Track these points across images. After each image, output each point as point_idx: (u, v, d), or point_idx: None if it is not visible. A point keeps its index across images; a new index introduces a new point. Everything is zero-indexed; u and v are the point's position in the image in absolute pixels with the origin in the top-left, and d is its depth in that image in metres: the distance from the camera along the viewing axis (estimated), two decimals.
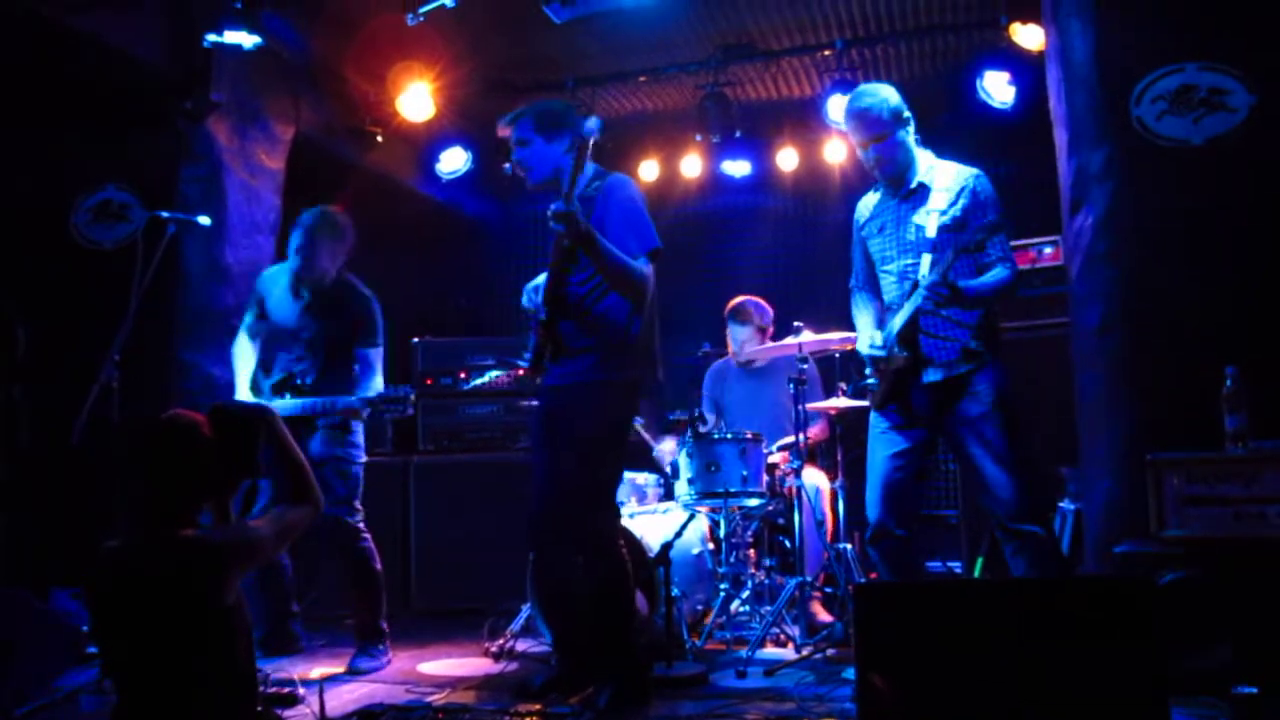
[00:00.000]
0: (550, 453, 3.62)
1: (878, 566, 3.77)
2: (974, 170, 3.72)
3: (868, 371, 3.87)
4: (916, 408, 3.70)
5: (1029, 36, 5.42)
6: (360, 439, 4.48)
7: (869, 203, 3.96)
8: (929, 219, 3.65)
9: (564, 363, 3.58)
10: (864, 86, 3.87)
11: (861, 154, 3.83)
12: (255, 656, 2.61)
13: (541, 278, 3.75)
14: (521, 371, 6.36)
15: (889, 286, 3.83)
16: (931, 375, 3.64)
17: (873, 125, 3.72)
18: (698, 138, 6.83)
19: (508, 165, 7.33)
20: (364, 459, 4.48)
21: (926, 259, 3.60)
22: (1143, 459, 3.42)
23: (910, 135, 3.76)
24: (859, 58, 6.30)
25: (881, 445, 3.75)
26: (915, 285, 3.59)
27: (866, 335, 3.86)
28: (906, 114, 3.74)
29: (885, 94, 3.75)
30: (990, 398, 3.57)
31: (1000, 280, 3.59)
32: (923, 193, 3.73)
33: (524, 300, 3.81)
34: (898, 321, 3.67)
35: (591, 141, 3.48)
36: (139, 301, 3.96)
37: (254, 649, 2.59)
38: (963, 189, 3.67)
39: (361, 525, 4.42)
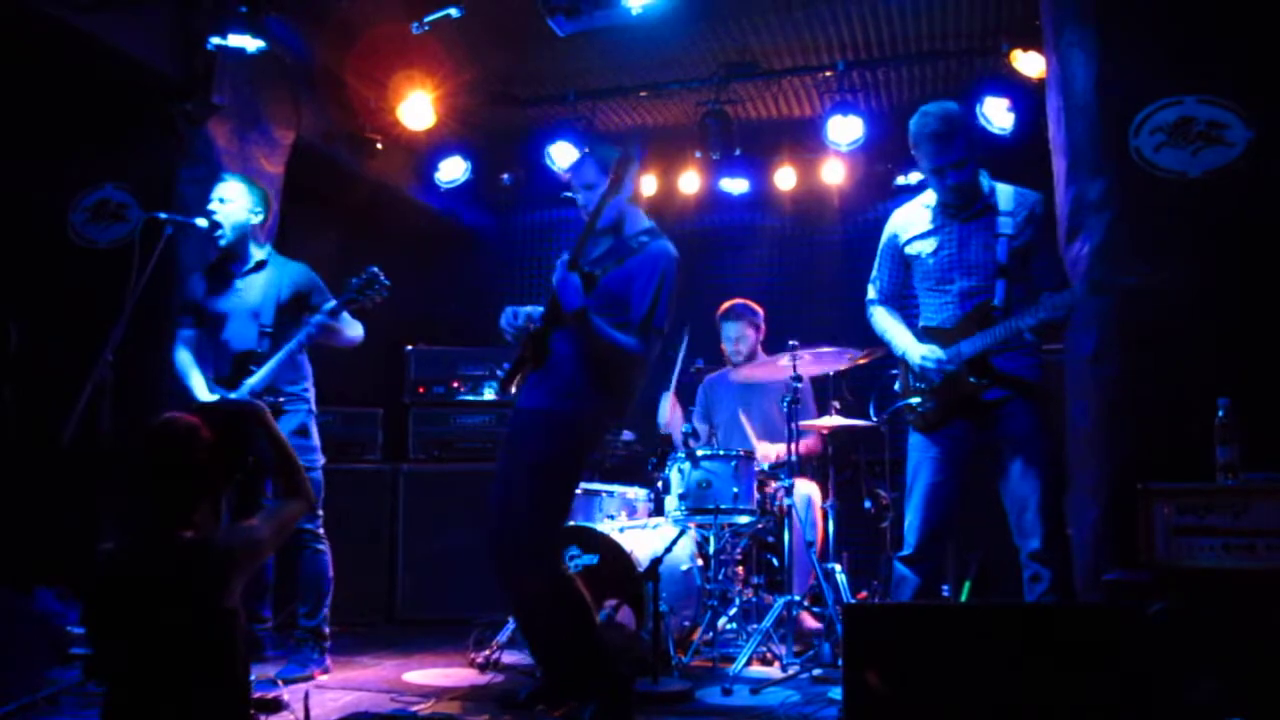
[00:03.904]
0: (505, 474, 3.56)
1: (902, 587, 3.72)
2: (1036, 194, 3.72)
3: (897, 387, 3.84)
4: (969, 427, 3.68)
5: (1030, 64, 5.46)
6: (316, 441, 4.47)
7: (915, 219, 3.85)
8: (1000, 244, 3.61)
9: (540, 383, 3.53)
10: (942, 108, 3.67)
11: (934, 179, 3.69)
12: (250, 663, 2.60)
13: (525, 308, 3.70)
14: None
15: (942, 306, 3.75)
16: (993, 394, 3.62)
17: (956, 151, 3.59)
18: (697, 154, 6.85)
19: (507, 176, 7.40)
20: (321, 463, 4.47)
21: (1001, 284, 3.58)
22: (1133, 488, 3.42)
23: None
24: (860, 80, 6.33)
25: (930, 468, 3.71)
26: (988, 308, 3.56)
27: (918, 348, 3.74)
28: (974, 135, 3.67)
29: (965, 117, 3.64)
30: (1036, 419, 3.61)
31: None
32: (989, 216, 3.66)
33: (502, 323, 3.72)
34: (967, 347, 3.60)
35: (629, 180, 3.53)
36: (134, 302, 3.95)
37: (249, 656, 2.59)
38: (1030, 215, 3.65)
39: (321, 531, 4.42)
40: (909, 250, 3.85)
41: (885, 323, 3.97)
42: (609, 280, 3.49)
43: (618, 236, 3.62)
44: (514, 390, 3.56)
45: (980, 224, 3.68)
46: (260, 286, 4.39)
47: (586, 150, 3.76)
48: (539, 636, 3.58)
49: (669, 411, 5.53)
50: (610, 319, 3.45)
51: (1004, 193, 3.71)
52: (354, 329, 4.51)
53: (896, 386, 3.88)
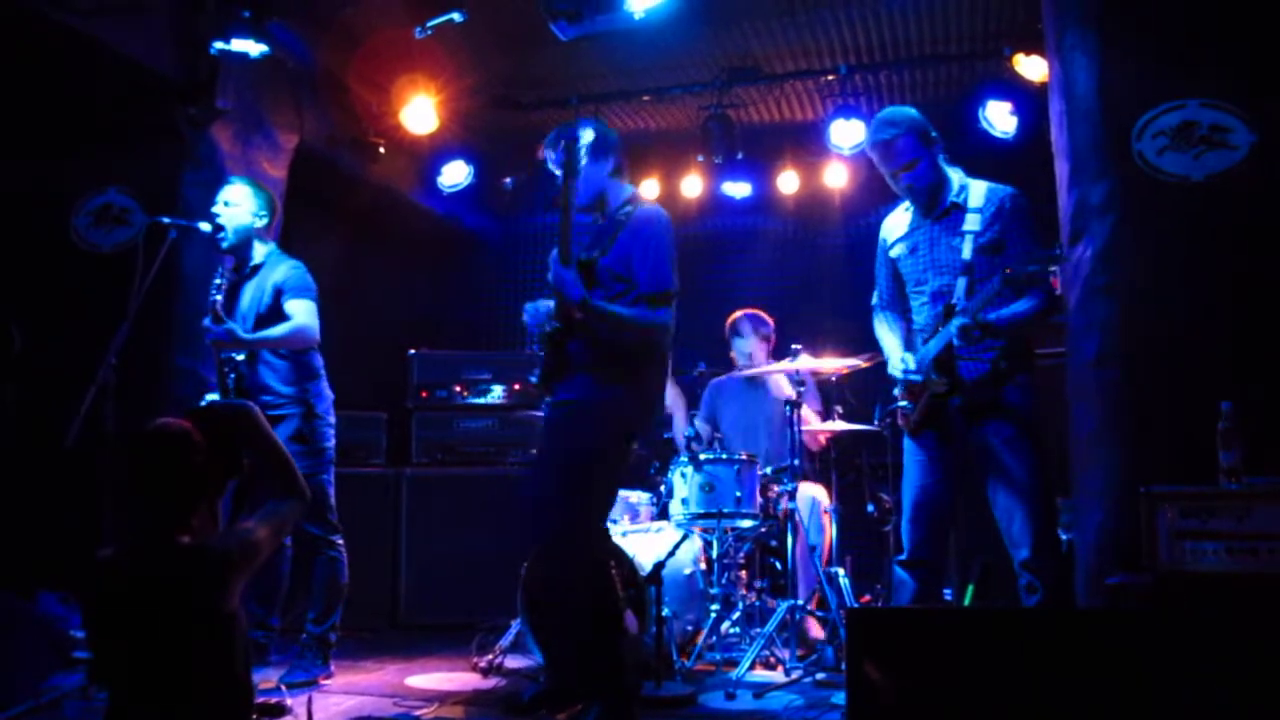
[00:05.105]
0: (542, 467, 3.60)
1: (901, 591, 3.71)
2: (1009, 189, 3.71)
3: (897, 392, 3.85)
4: (950, 431, 3.67)
5: (1032, 68, 5.47)
6: (320, 445, 4.42)
7: (898, 222, 3.89)
8: (965, 241, 3.62)
9: (571, 381, 3.54)
10: (886, 113, 3.74)
11: (891, 183, 3.75)
12: (252, 665, 2.59)
13: (545, 302, 3.71)
14: (522, 387, 6.39)
15: (920, 308, 3.78)
16: (956, 399, 3.61)
17: (901, 155, 3.64)
18: (699, 158, 6.85)
19: (508, 180, 7.41)
20: (330, 464, 4.45)
21: (962, 282, 3.58)
22: (1136, 492, 3.41)
23: (940, 156, 3.71)
24: (862, 83, 6.35)
25: (918, 471, 3.72)
26: (950, 308, 3.54)
27: (897, 356, 3.80)
28: (934, 134, 3.67)
29: (910, 119, 3.66)
30: (1013, 425, 3.57)
31: (1032, 308, 3.57)
32: (957, 214, 3.68)
33: (526, 318, 3.77)
34: (932, 347, 3.62)
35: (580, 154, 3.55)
36: (138, 306, 3.95)
37: (251, 658, 2.58)
38: (998, 210, 3.65)
39: (335, 538, 4.41)
40: (893, 254, 3.90)
41: (880, 329, 4.01)
42: (609, 261, 3.51)
43: (605, 214, 3.62)
44: (550, 390, 3.59)
45: (949, 223, 3.70)
46: (251, 292, 4.39)
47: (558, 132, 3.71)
48: (561, 628, 3.58)
49: (669, 393, 5.55)
50: (622, 298, 3.47)
51: (976, 190, 3.71)
52: (280, 329, 4.26)
53: (896, 390, 3.89)
